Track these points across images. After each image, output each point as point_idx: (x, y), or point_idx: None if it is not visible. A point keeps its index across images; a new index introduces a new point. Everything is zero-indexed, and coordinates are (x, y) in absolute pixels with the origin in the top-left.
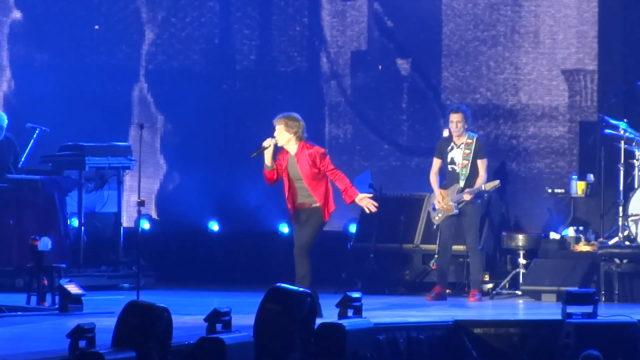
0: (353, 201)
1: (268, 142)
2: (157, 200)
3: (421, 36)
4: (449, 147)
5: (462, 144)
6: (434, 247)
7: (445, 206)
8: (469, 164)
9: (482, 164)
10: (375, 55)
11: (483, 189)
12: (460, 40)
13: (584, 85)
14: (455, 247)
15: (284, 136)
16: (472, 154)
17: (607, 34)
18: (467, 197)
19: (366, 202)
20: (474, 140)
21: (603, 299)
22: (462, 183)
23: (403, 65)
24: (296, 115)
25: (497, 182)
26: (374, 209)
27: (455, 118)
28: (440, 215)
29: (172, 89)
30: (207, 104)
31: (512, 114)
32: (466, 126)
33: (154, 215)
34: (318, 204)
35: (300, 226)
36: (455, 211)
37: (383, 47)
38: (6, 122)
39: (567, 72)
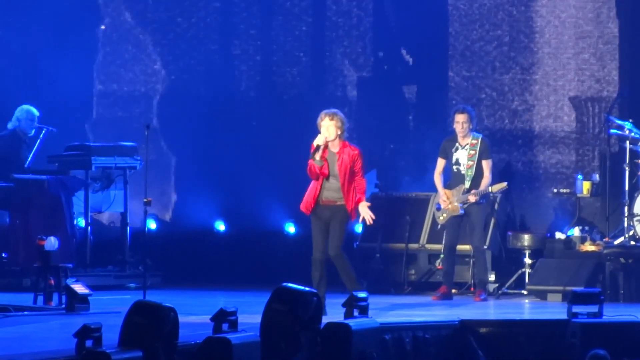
0: (356, 205)
1: (321, 140)
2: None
3: (427, 36)
4: (454, 148)
5: (467, 144)
6: (439, 246)
7: (450, 206)
8: (474, 165)
9: (487, 165)
10: (380, 56)
11: (490, 191)
12: (466, 41)
13: (590, 85)
14: (460, 247)
15: (333, 132)
16: (477, 155)
17: (612, 34)
18: (472, 198)
19: (365, 211)
20: (479, 140)
21: (608, 299)
22: (467, 184)
23: (409, 65)
24: (340, 112)
25: (504, 184)
26: (369, 221)
27: (461, 119)
28: (445, 215)
29: (176, 89)
30: (213, 104)
31: (517, 113)
32: (471, 127)
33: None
34: (342, 202)
35: (323, 225)
36: (461, 211)
37: (388, 48)
38: (37, 114)
39: (572, 72)
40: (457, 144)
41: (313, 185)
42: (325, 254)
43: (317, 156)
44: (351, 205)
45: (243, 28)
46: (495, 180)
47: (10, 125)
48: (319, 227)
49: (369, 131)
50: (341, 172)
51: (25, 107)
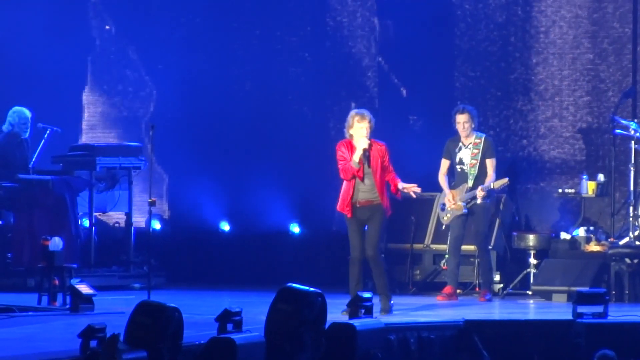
0: (397, 189)
1: (367, 143)
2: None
3: (432, 35)
4: (457, 148)
5: (471, 143)
6: (444, 247)
7: (454, 206)
8: (478, 164)
9: (491, 163)
10: (383, 55)
11: (492, 187)
12: (471, 41)
13: (595, 85)
14: (465, 247)
15: (368, 132)
16: (480, 154)
17: (617, 34)
18: (480, 193)
19: (408, 185)
20: (482, 139)
21: (613, 299)
22: (470, 182)
23: (413, 65)
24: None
25: (506, 179)
26: (417, 190)
27: (462, 119)
28: (449, 215)
29: (182, 89)
30: (218, 105)
31: (522, 113)
32: (473, 126)
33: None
34: (379, 200)
35: (359, 225)
36: (465, 210)
37: (392, 49)
38: (29, 116)
39: (578, 71)
40: (460, 144)
41: (346, 186)
42: (362, 253)
43: (357, 158)
44: (387, 201)
45: (247, 28)
46: (497, 178)
47: (4, 128)
48: (356, 228)
49: (373, 130)
50: (373, 169)
51: (17, 109)
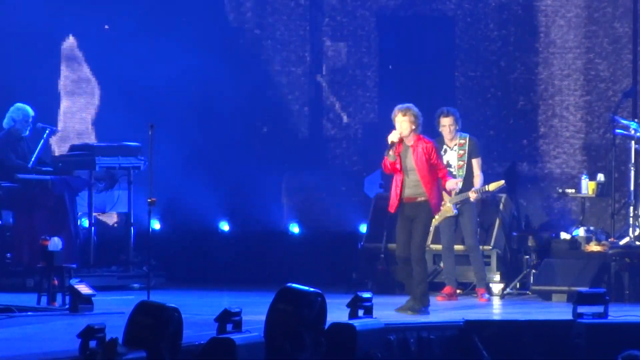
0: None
1: (395, 136)
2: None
3: (432, 35)
4: (442, 150)
5: (456, 145)
6: None
7: (443, 207)
8: (465, 165)
9: (477, 163)
10: (383, 55)
11: (487, 189)
12: (471, 40)
13: (595, 85)
14: (460, 247)
15: (407, 127)
16: (466, 154)
17: (617, 34)
18: (472, 196)
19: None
20: (467, 140)
21: (613, 299)
22: (459, 184)
23: (413, 64)
24: (414, 107)
25: (502, 182)
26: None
27: (446, 122)
28: (437, 217)
29: (181, 89)
30: (217, 104)
31: (522, 114)
32: (458, 127)
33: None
34: (425, 197)
35: (406, 222)
36: (455, 212)
37: (392, 48)
38: (32, 114)
39: (578, 71)
40: (445, 146)
41: (394, 182)
42: (408, 252)
43: (391, 152)
44: (435, 198)
45: (247, 27)
46: (489, 179)
47: (5, 125)
48: (403, 225)
49: (374, 130)
50: (418, 166)
51: (21, 106)
